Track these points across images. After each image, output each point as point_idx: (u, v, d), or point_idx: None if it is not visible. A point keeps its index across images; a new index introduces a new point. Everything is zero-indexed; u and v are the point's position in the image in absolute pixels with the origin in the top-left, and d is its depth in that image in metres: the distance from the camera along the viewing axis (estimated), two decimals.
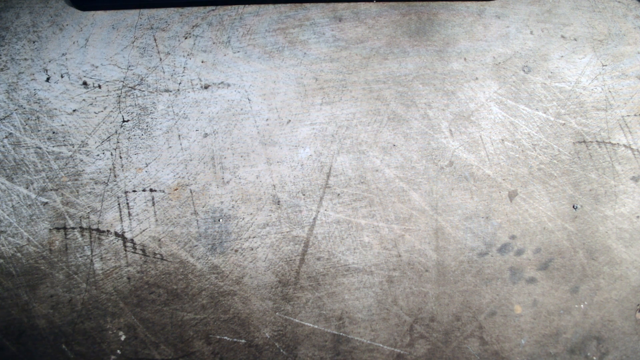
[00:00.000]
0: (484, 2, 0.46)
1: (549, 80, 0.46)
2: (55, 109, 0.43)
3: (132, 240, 0.44)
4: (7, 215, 0.44)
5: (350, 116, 0.45)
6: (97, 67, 0.44)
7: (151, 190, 0.44)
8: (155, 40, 0.44)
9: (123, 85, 0.44)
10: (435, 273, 0.44)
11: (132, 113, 0.46)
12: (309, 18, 0.45)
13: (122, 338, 0.41)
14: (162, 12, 0.45)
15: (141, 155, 0.46)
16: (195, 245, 0.43)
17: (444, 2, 0.46)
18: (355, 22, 0.45)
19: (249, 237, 0.44)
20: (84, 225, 0.45)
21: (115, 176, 0.45)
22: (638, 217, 0.45)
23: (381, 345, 0.43)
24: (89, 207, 0.45)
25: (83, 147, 0.45)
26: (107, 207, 0.45)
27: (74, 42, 0.44)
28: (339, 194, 0.45)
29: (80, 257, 0.44)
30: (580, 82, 0.46)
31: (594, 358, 0.44)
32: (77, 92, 0.44)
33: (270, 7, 0.45)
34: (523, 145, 0.44)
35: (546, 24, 0.46)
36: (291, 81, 0.45)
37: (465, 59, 0.45)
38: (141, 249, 0.43)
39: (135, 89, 0.44)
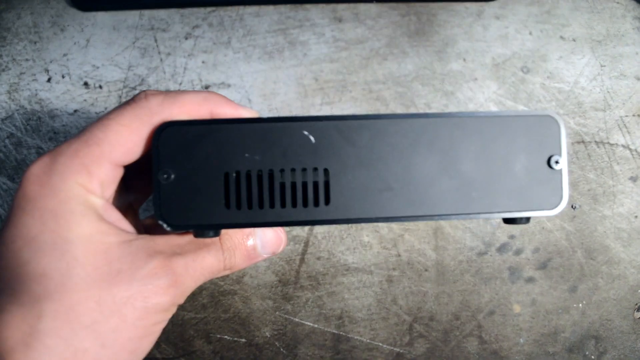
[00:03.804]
0: (483, 2, 0.46)
1: (548, 80, 0.46)
2: (57, 109, 0.44)
3: None
4: None
5: None
6: (98, 67, 0.44)
7: None
8: (156, 40, 0.44)
9: (124, 86, 0.44)
10: (435, 272, 0.44)
11: None
12: (309, 19, 0.45)
13: None
14: (162, 13, 0.45)
15: None
16: None
17: (443, 3, 0.46)
18: (355, 23, 0.46)
19: None
20: None
21: None
22: (636, 217, 0.45)
23: (381, 344, 0.43)
24: None
25: None
26: None
27: (75, 43, 0.44)
28: None
29: None
30: (578, 82, 0.46)
31: (593, 357, 0.44)
32: (78, 93, 0.44)
33: (271, 8, 0.45)
34: None
35: (545, 25, 0.46)
36: (291, 81, 0.45)
37: (464, 60, 0.46)
38: None
39: (136, 90, 0.44)
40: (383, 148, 0.23)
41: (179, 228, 0.21)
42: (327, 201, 0.23)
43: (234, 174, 0.22)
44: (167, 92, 0.24)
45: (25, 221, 0.19)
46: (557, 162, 0.23)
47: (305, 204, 0.23)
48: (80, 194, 0.19)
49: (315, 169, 0.23)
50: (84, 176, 0.20)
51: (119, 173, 0.22)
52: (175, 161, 0.20)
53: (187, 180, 0.21)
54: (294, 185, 0.23)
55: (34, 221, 0.19)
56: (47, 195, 0.19)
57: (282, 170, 0.23)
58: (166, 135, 0.20)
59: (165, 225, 0.21)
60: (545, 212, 0.24)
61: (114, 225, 0.21)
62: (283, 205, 0.23)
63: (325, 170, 0.23)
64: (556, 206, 0.24)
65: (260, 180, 0.23)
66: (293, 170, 0.23)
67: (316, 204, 0.23)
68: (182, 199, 0.21)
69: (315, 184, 0.23)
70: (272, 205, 0.23)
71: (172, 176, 0.20)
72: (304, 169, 0.23)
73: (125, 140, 0.20)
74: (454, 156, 0.23)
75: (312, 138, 0.23)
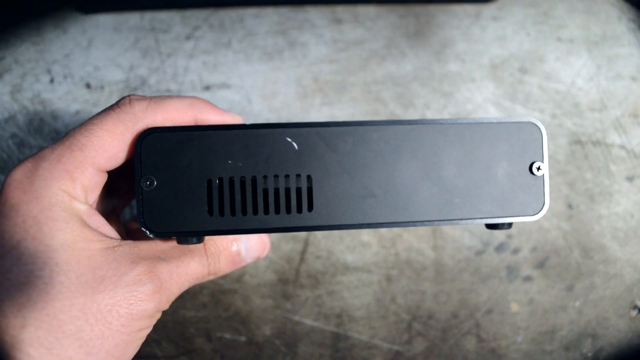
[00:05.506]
0: (481, 4, 0.47)
1: (545, 81, 0.46)
2: (59, 109, 0.44)
3: None
4: None
5: (349, 117, 0.45)
6: (99, 68, 0.44)
7: None
8: (157, 41, 0.45)
9: (125, 86, 0.45)
10: (433, 271, 0.44)
11: None
12: (309, 20, 0.46)
13: None
14: (163, 14, 0.45)
15: None
16: None
17: (442, 5, 0.46)
18: (354, 24, 0.46)
19: None
20: None
21: None
22: (632, 216, 0.45)
23: (380, 342, 0.44)
24: None
25: None
26: None
27: (77, 44, 0.44)
28: None
29: None
30: (575, 83, 0.46)
31: (589, 355, 0.45)
32: (80, 93, 0.44)
33: (271, 9, 0.46)
34: None
35: (542, 26, 0.47)
36: (291, 82, 0.45)
37: (462, 61, 0.46)
38: None
39: (137, 90, 0.45)
40: (366, 155, 0.23)
41: (161, 235, 0.21)
42: (310, 207, 0.23)
43: (217, 181, 0.22)
44: (152, 98, 0.23)
45: (6, 228, 0.19)
46: (538, 169, 0.24)
47: (288, 211, 0.23)
48: (63, 200, 0.19)
49: (298, 176, 0.23)
50: (67, 182, 0.19)
51: (103, 178, 0.22)
52: (158, 168, 0.21)
53: (169, 187, 0.21)
54: (277, 191, 0.23)
55: (16, 228, 0.19)
56: (29, 202, 0.19)
57: (265, 177, 0.23)
58: (149, 142, 0.21)
59: (148, 233, 0.21)
60: (527, 218, 0.24)
61: (98, 231, 0.21)
62: (266, 211, 0.23)
63: (308, 177, 0.23)
64: (538, 212, 0.24)
65: (243, 186, 0.23)
66: (276, 176, 0.23)
67: (299, 210, 0.23)
68: (165, 206, 0.21)
69: (299, 191, 0.23)
70: (255, 212, 0.23)
71: (155, 183, 0.21)
72: (287, 176, 0.23)
73: (108, 146, 0.20)
74: (436, 162, 0.23)
75: (295, 145, 0.23)
